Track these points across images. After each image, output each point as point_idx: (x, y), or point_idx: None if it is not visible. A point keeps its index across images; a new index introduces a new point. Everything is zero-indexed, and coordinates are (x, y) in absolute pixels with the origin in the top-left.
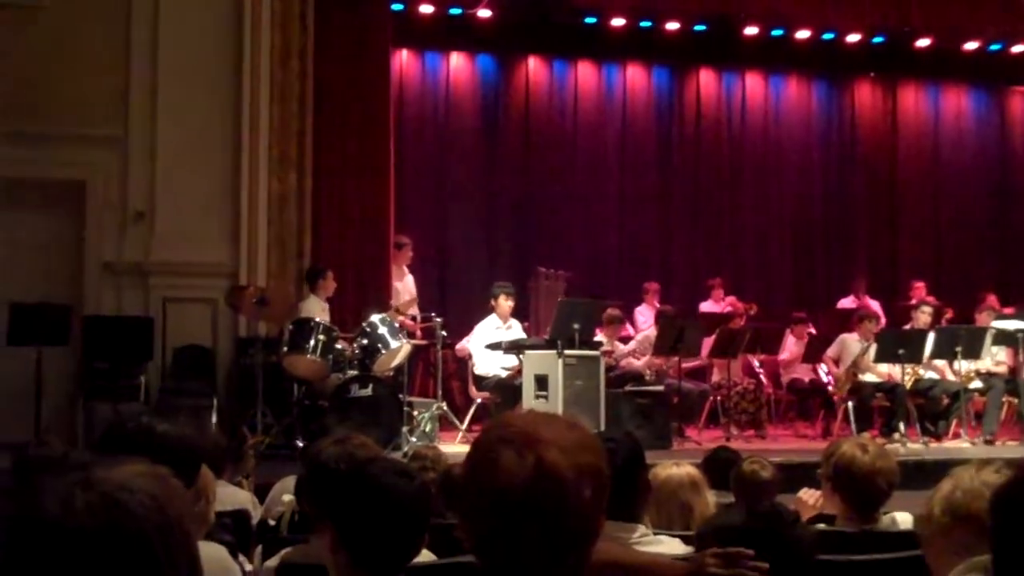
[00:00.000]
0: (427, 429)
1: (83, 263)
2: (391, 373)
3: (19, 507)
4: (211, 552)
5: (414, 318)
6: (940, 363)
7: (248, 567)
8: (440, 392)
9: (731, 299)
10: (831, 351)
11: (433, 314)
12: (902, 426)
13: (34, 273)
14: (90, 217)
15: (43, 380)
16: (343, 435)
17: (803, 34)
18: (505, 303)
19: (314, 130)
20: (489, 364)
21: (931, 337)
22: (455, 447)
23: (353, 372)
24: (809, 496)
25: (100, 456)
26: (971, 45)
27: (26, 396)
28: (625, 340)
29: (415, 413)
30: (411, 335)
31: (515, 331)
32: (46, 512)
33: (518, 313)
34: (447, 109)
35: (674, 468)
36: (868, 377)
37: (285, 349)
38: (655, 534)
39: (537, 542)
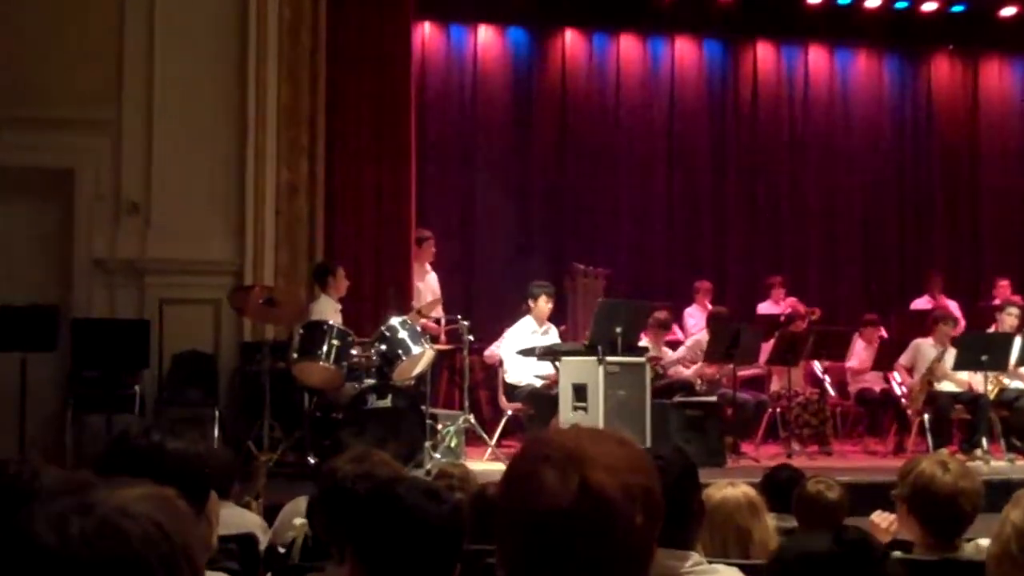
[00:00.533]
0: (452, 444)
1: (72, 260)
2: (412, 382)
3: (7, 534)
4: None
5: (438, 321)
6: None
7: None
8: (467, 403)
9: (792, 300)
10: (904, 358)
11: (459, 316)
12: (984, 441)
13: (18, 271)
14: (79, 209)
15: (28, 389)
16: (361, 451)
17: (873, 2)
18: (545, 305)
19: (327, 112)
20: (522, 372)
21: (1017, 342)
22: (484, 464)
23: (370, 381)
24: (883, 520)
25: (101, 476)
26: None
27: (9, 407)
28: (673, 346)
29: (439, 427)
30: (434, 340)
31: (551, 336)
32: (38, 540)
33: (553, 316)
34: (474, 88)
35: (729, 489)
36: (945, 386)
37: (295, 355)
38: (710, 562)
39: (581, 572)
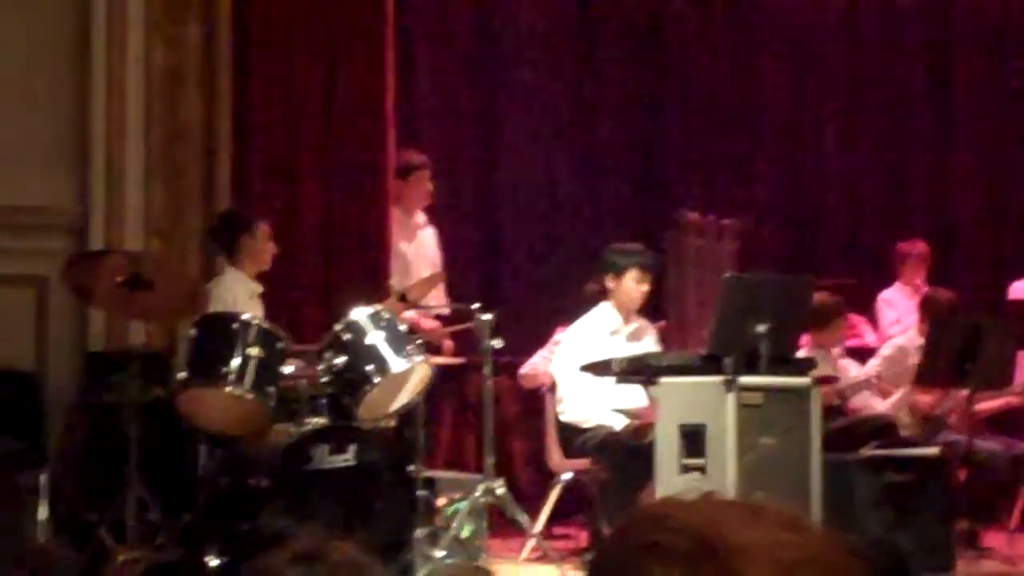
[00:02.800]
0: (465, 533)
1: None
2: (392, 423)
3: None
4: None
5: (440, 317)
6: None
7: None
8: (490, 460)
9: None
10: None
11: (476, 306)
12: None
13: None
14: None
15: None
16: (312, 544)
17: None
18: (636, 286)
19: None
20: (589, 404)
21: None
22: (524, 571)
23: (318, 421)
24: None
25: None
26: None
27: None
28: (859, 356)
29: (441, 502)
30: (432, 348)
31: (644, 340)
32: None
33: (647, 306)
34: None
35: None
36: None
37: (183, 375)
38: None
39: None
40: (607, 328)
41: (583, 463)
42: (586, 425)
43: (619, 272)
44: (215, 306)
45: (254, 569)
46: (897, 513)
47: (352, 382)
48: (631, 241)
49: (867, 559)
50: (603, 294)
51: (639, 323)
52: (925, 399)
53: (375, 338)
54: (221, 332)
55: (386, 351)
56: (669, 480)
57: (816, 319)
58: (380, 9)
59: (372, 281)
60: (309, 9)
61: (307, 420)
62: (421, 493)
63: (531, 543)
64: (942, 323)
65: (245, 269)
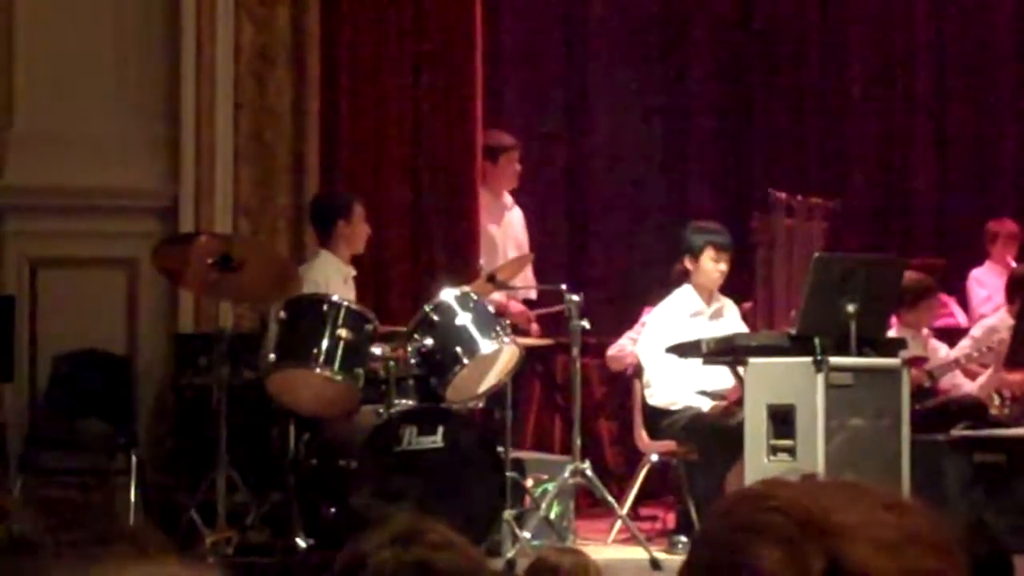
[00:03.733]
0: (554, 515)
1: None
2: (480, 405)
3: None
4: None
5: (526, 300)
6: None
7: None
8: (578, 442)
9: None
10: None
11: (564, 287)
12: None
13: None
14: None
15: None
16: (407, 526)
17: None
18: (714, 265)
19: None
20: (675, 385)
21: None
22: (610, 550)
23: (406, 403)
24: None
25: None
26: None
27: None
28: (949, 337)
29: (528, 483)
30: (519, 331)
31: (728, 320)
32: None
33: (730, 285)
34: None
35: None
36: None
37: (272, 357)
38: None
39: None
40: (688, 310)
41: (670, 444)
42: (673, 407)
43: (696, 252)
44: (308, 289)
45: (350, 551)
46: (987, 494)
47: (441, 363)
48: (719, 222)
49: (963, 544)
50: (684, 276)
51: (721, 303)
52: (1015, 378)
53: (464, 319)
54: (310, 314)
55: (475, 332)
56: (758, 461)
57: (906, 299)
58: None
59: (461, 262)
60: None
61: (395, 401)
62: (509, 474)
63: (618, 524)
64: None
65: (339, 252)
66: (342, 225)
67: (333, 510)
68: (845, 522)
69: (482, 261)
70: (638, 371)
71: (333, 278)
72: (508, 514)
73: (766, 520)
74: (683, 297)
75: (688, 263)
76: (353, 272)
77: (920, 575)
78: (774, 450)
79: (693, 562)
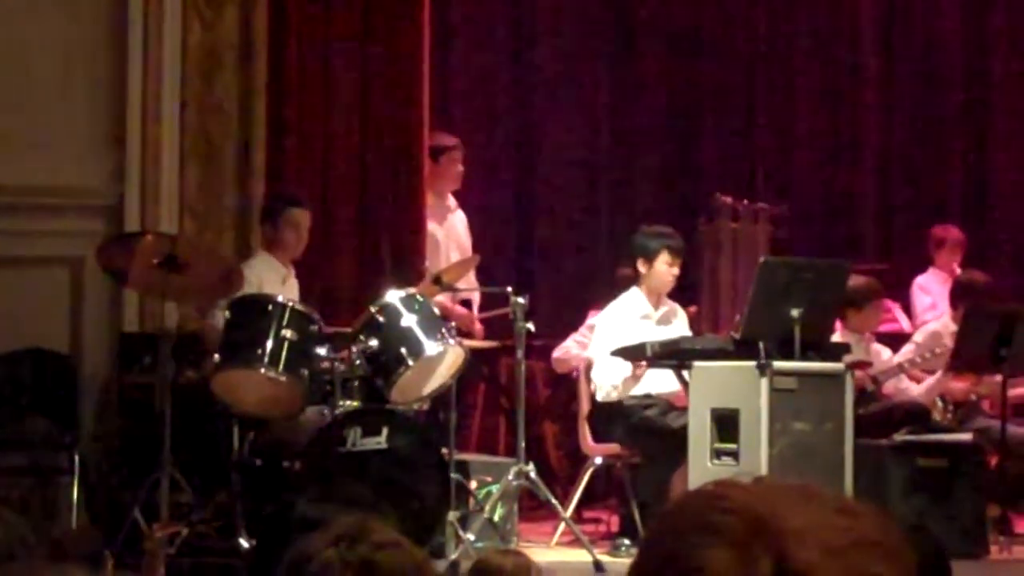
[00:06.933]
0: (497, 516)
1: None
2: (426, 407)
3: None
4: None
5: (466, 303)
6: None
7: None
8: (522, 444)
9: None
10: None
11: (509, 290)
12: None
13: None
14: None
15: None
16: (353, 524)
17: None
18: (668, 269)
19: None
20: (621, 387)
21: None
22: (552, 553)
23: (350, 404)
24: None
25: None
26: None
27: None
28: (891, 340)
29: (473, 485)
30: (464, 333)
31: (676, 324)
32: None
33: (678, 290)
34: None
35: None
36: None
37: (217, 359)
38: None
39: None
40: (637, 313)
41: (614, 447)
42: (619, 408)
43: (650, 255)
44: (249, 288)
45: (296, 551)
46: (930, 499)
47: (385, 365)
48: (666, 225)
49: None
50: (634, 279)
51: (668, 307)
52: (958, 385)
53: (409, 321)
54: (255, 314)
55: (420, 334)
56: (701, 465)
57: (851, 303)
58: None
59: (407, 264)
60: None
61: (340, 403)
62: (453, 476)
63: (562, 527)
64: (976, 309)
65: (280, 252)
66: (280, 223)
67: (277, 510)
68: (794, 525)
69: (427, 264)
70: (585, 372)
71: (268, 278)
72: (452, 516)
73: (717, 521)
74: (631, 300)
75: (641, 266)
76: (291, 271)
77: None
78: (718, 454)
79: (643, 558)
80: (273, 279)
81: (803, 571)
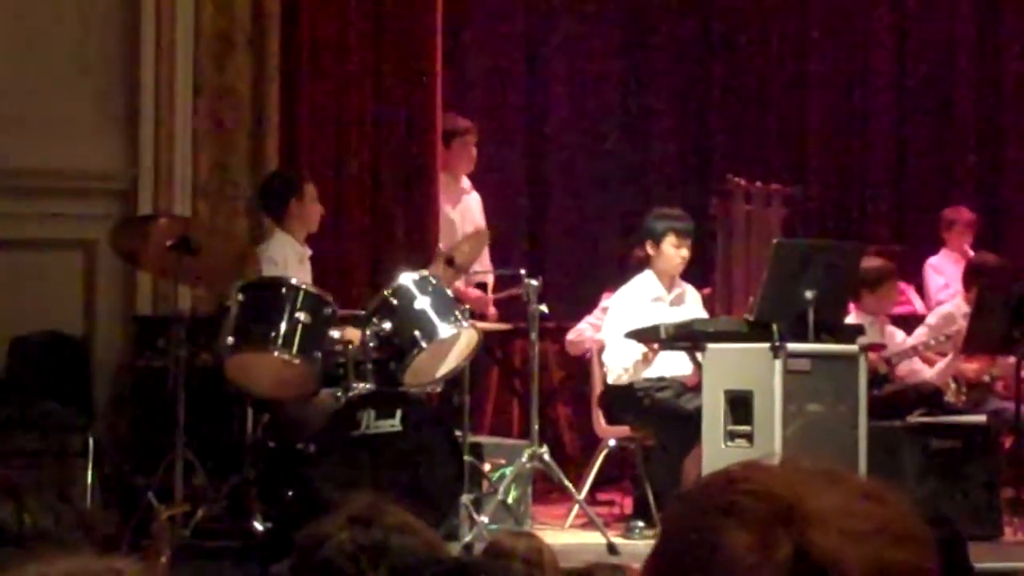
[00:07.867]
0: (511, 498)
1: None
2: (439, 389)
3: None
4: None
5: (480, 285)
6: None
7: None
8: (535, 426)
9: None
10: None
11: (523, 272)
12: None
13: None
14: None
15: None
16: (366, 507)
17: None
18: (675, 251)
19: None
20: (632, 369)
21: None
22: (566, 535)
23: (364, 386)
24: None
25: None
26: None
27: None
28: (905, 322)
29: (486, 467)
30: (477, 315)
31: (688, 306)
32: None
33: (690, 271)
34: None
35: None
36: None
37: (230, 340)
38: None
39: None
40: (649, 295)
41: (628, 429)
42: (633, 390)
43: (657, 238)
44: (267, 269)
45: (310, 532)
46: (943, 480)
47: (399, 347)
48: (679, 207)
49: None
50: (645, 261)
51: (681, 288)
52: (971, 366)
53: (423, 303)
54: (269, 297)
55: (433, 316)
56: (715, 447)
57: (866, 284)
58: None
59: (420, 246)
60: None
61: (353, 385)
62: (467, 459)
63: (576, 509)
64: (989, 290)
65: (293, 232)
66: (295, 204)
67: (290, 492)
68: (817, 509)
69: (441, 245)
70: (598, 355)
71: (290, 257)
72: (466, 498)
73: (738, 503)
74: (644, 283)
75: (649, 248)
76: (308, 252)
77: (887, 566)
78: (731, 436)
79: (664, 538)
80: (294, 258)
81: (824, 556)
